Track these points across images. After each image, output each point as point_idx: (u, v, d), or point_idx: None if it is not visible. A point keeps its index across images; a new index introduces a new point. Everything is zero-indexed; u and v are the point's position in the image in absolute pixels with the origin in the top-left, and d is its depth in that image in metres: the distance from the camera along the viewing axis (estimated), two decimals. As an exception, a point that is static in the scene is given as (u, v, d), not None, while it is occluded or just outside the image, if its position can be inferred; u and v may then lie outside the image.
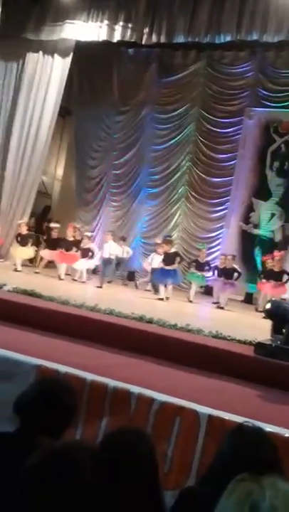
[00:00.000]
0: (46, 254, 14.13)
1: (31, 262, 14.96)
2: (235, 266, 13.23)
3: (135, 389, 4.97)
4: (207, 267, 13.44)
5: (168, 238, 14.07)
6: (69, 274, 13.77)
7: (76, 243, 13.74)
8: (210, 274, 13.38)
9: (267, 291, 12.76)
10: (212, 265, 13.63)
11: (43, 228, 16.02)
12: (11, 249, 14.31)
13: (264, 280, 13.05)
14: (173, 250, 13.01)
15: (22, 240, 13.87)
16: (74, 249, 13.57)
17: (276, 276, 12.82)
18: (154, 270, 13.36)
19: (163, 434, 4.55)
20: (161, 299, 12.05)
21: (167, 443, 4.56)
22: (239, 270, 13.12)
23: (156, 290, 13.17)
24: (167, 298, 12.17)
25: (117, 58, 16.85)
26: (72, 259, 13.61)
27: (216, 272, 13.26)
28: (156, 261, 13.37)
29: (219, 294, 12.94)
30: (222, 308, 12.35)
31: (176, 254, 12.98)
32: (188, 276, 13.74)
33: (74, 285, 12.79)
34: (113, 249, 13.68)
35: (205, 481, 2.15)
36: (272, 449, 2.16)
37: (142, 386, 5.06)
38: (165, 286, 12.39)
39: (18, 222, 14.44)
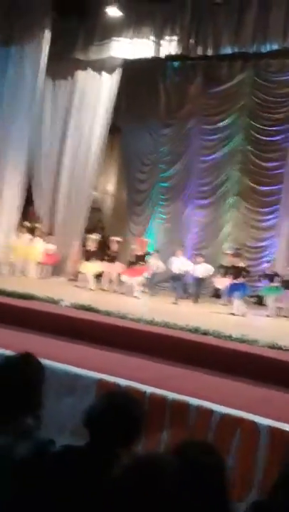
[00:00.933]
0: (112, 268, 14.10)
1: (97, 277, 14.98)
2: None
3: (194, 401, 5.04)
4: (278, 278, 13.18)
5: (238, 251, 13.96)
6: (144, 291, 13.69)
7: (143, 257, 13.73)
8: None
9: None
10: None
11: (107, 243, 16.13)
12: (79, 266, 14.46)
13: None
14: (241, 264, 12.88)
15: (89, 256, 14.01)
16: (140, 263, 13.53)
17: None
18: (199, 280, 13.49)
19: (224, 446, 4.59)
20: (232, 314, 11.90)
21: (228, 455, 4.60)
22: None
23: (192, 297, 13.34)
24: (243, 315, 11.85)
25: (163, 72, 17.01)
26: (140, 271, 13.55)
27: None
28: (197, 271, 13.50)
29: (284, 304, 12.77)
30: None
31: (243, 268, 12.86)
32: (264, 291, 13.43)
33: (137, 301, 12.68)
34: (184, 265, 13.44)
35: (276, 494, 2.16)
36: None
37: (199, 398, 5.13)
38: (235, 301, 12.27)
39: (87, 236, 14.64)
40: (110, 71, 15.04)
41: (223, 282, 13.09)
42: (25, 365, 2.71)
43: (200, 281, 13.78)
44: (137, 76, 16.27)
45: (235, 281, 12.46)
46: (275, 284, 13.09)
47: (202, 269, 13.70)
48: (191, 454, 2.09)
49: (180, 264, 13.31)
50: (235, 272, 12.57)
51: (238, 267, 12.69)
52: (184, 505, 1.36)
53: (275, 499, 2.16)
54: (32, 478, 2.32)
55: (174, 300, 12.87)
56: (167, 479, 1.35)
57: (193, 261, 14.06)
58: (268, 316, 12.57)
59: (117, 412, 2.46)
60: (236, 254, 13.24)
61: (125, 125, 17.82)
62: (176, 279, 13.25)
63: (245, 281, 12.78)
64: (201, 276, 13.71)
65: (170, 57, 15.04)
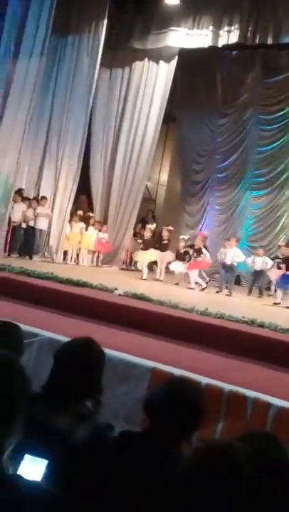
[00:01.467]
0: (164, 257, 13.87)
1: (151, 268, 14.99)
2: None
3: (251, 393, 4.93)
4: None
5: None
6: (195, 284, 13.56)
7: (201, 250, 13.51)
8: None
9: None
10: None
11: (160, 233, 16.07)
12: (134, 254, 14.56)
13: None
14: None
15: (145, 245, 14.03)
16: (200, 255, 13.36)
17: None
18: (258, 272, 13.36)
19: (282, 440, 4.45)
20: (278, 303, 11.79)
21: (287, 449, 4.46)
22: None
23: (260, 293, 13.24)
24: (288, 307, 11.66)
25: (220, 61, 16.77)
26: (203, 264, 13.42)
27: None
28: (257, 263, 13.39)
29: None
30: None
31: None
32: None
33: (191, 291, 12.60)
34: (237, 256, 13.19)
35: None
36: None
37: (257, 391, 5.00)
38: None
39: (147, 226, 14.65)
40: (167, 60, 14.91)
41: (275, 274, 12.84)
42: (88, 349, 2.69)
43: (259, 274, 13.54)
44: (193, 65, 16.11)
45: (287, 273, 12.17)
46: None
47: (261, 262, 13.46)
48: (256, 444, 2.02)
49: (233, 254, 13.09)
50: (288, 263, 12.28)
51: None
52: (261, 492, 1.31)
53: None
54: (91, 462, 2.28)
55: (227, 291, 12.72)
56: (242, 467, 1.28)
57: (255, 253, 13.86)
58: None
59: (177, 400, 2.41)
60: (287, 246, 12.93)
61: (181, 115, 17.70)
62: (229, 269, 13.04)
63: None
64: (259, 269, 13.48)
65: (228, 47, 14.79)
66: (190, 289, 12.85)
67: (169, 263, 13.81)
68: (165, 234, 14.15)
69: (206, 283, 13.39)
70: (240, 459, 1.30)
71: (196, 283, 13.13)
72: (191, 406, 2.43)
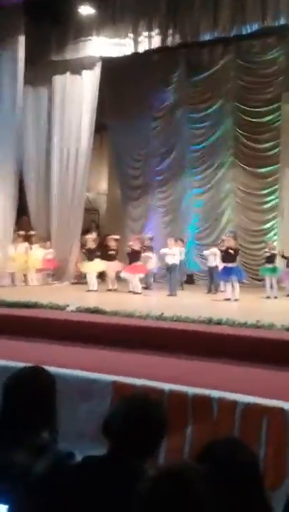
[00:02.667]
0: (112, 267, 13.96)
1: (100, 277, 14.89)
2: None
3: (216, 393, 4.84)
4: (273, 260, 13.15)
5: (233, 234, 13.83)
6: (143, 287, 13.61)
7: (139, 253, 13.65)
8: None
9: None
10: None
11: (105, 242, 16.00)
12: (79, 266, 14.43)
13: None
14: (235, 247, 12.69)
15: (89, 255, 13.94)
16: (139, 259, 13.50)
17: None
18: (212, 268, 13.40)
19: (251, 436, 4.40)
20: (228, 299, 11.85)
21: (257, 444, 4.41)
22: None
23: (215, 289, 13.27)
24: (236, 299, 11.83)
25: (144, 65, 16.78)
26: (142, 269, 13.54)
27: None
28: (210, 260, 13.52)
29: None
30: None
31: (236, 250, 12.74)
32: (263, 271, 13.42)
33: (141, 297, 12.58)
34: (177, 256, 13.27)
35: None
36: None
37: (221, 390, 4.93)
38: (232, 285, 12.17)
39: (86, 237, 14.55)
40: (90, 70, 14.82)
41: (219, 266, 13.00)
42: (35, 378, 2.53)
43: (213, 271, 13.63)
44: (118, 72, 16.08)
45: (229, 265, 12.28)
46: (273, 264, 13.05)
47: (213, 258, 13.60)
48: (221, 453, 1.98)
49: (172, 255, 13.16)
50: (230, 255, 12.38)
51: (232, 250, 12.48)
52: (221, 508, 1.25)
53: None
54: (51, 495, 2.14)
55: (170, 292, 12.73)
56: (198, 489, 1.25)
57: (204, 251, 13.95)
58: (275, 297, 12.46)
59: (137, 418, 2.29)
60: (233, 238, 13.03)
61: (112, 122, 17.65)
62: (171, 269, 13.08)
63: (240, 264, 12.69)
64: (212, 266, 13.59)
65: (151, 50, 14.84)
66: (136, 293, 12.85)
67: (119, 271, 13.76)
68: (112, 244, 14.08)
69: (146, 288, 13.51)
70: (196, 480, 1.26)
71: (145, 287, 13.21)
72: (152, 421, 2.32)
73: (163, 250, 13.45)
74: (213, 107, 16.33)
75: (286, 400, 4.61)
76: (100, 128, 17.31)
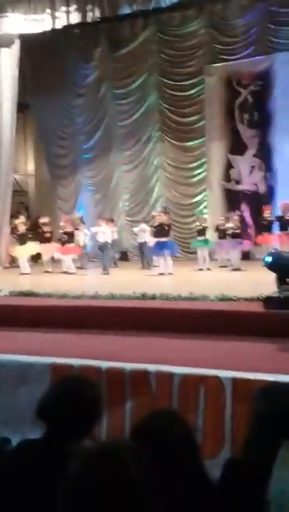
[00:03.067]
0: (48, 249, 13.82)
1: (35, 260, 14.71)
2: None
3: (152, 367, 4.89)
4: (214, 228, 13.43)
5: (167, 209, 13.89)
6: (78, 267, 13.59)
7: (71, 234, 13.61)
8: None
9: (273, 243, 12.63)
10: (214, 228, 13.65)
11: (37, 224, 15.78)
12: (11, 251, 14.19)
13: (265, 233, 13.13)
14: (168, 222, 12.83)
15: (21, 239, 13.74)
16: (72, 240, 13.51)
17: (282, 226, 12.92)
18: (142, 244, 13.55)
19: (190, 407, 4.48)
20: (163, 274, 11.95)
21: (195, 414, 4.50)
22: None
23: (148, 265, 13.40)
24: (170, 273, 11.99)
25: (65, 41, 16.45)
26: (76, 250, 13.56)
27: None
28: (140, 236, 13.66)
29: (230, 255, 12.96)
30: (239, 269, 12.32)
31: (169, 225, 12.83)
32: (194, 244, 13.60)
33: (76, 277, 12.56)
34: (108, 234, 13.36)
35: (248, 450, 2.05)
36: None
37: (159, 363, 4.98)
38: (164, 259, 12.28)
39: (14, 222, 14.26)
40: (7, 48, 14.32)
41: (151, 242, 13.10)
42: None
43: (143, 247, 13.72)
44: (39, 49, 15.72)
45: (162, 240, 12.39)
46: (204, 237, 13.27)
47: (104, 233, 13.59)
48: (155, 427, 1.97)
49: (103, 233, 13.16)
50: (162, 229, 12.49)
51: (164, 225, 12.59)
52: (154, 484, 1.25)
53: (248, 454, 2.05)
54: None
55: (103, 270, 12.75)
56: (128, 465, 1.22)
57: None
58: (208, 269, 12.69)
59: (70, 398, 2.28)
60: (165, 212, 13.14)
61: (35, 101, 17.26)
62: (103, 248, 13.09)
63: (173, 238, 12.84)
64: (142, 241, 13.69)
65: (70, 26, 14.53)
66: (70, 273, 12.84)
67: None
68: (46, 227, 13.95)
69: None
70: (124, 455, 1.24)
71: (80, 267, 13.19)
72: (86, 400, 2.31)
73: (93, 229, 13.43)
74: (137, 82, 16.24)
75: (221, 368, 4.71)
76: (23, 107, 16.91)
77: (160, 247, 12.38)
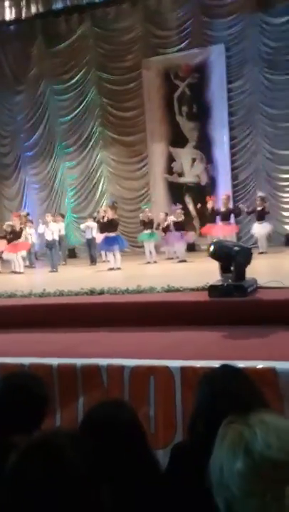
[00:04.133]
0: None
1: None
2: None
3: (103, 361, 4.94)
4: (155, 225, 13.54)
5: (115, 204, 13.93)
6: (26, 266, 13.52)
7: (20, 232, 13.48)
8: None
9: (217, 233, 12.86)
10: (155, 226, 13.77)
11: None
12: None
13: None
14: (114, 217, 12.87)
15: None
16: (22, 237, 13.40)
17: (224, 217, 13.11)
18: (90, 240, 13.59)
19: (141, 398, 4.56)
20: (112, 269, 12.01)
21: (147, 405, 4.57)
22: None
23: (95, 261, 13.45)
24: (118, 268, 12.08)
25: (1, 39, 16.26)
26: (25, 246, 13.44)
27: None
28: (87, 232, 13.72)
29: (175, 248, 13.13)
30: (185, 261, 12.47)
31: (117, 220, 12.88)
32: (140, 237, 13.70)
33: (24, 276, 12.51)
34: (56, 231, 13.29)
35: (192, 433, 2.14)
36: (248, 382, 2.17)
37: (109, 357, 5.04)
38: (113, 254, 12.34)
39: None
40: None
41: (99, 237, 13.14)
42: None
43: (91, 243, 13.75)
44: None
45: (110, 235, 12.45)
46: (151, 230, 13.45)
47: (90, 230, 13.74)
48: (103, 416, 2.03)
49: (51, 230, 13.12)
50: (110, 225, 12.55)
51: (112, 220, 12.65)
52: (97, 471, 1.27)
53: (192, 439, 2.13)
54: None
55: (51, 268, 12.74)
56: (66, 454, 1.24)
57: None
58: (155, 262, 12.84)
59: (15, 395, 2.31)
60: (112, 207, 13.19)
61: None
62: (51, 246, 13.06)
63: (120, 233, 12.93)
64: (90, 238, 13.72)
65: (6, 22, 14.37)
66: (18, 273, 12.76)
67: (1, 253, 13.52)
68: None
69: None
70: (62, 443, 1.25)
71: (28, 266, 13.11)
72: (31, 395, 2.34)
73: (40, 228, 13.36)
74: (76, 77, 16.21)
75: (170, 358, 4.82)
76: None
77: (109, 242, 12.43)
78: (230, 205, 13.57)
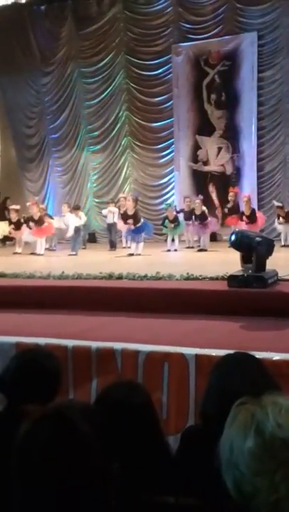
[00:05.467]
0: (20, 233, 13.74)
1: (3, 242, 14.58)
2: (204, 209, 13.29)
3: (118, 345, 4.93)
4: (177, 222, 13.40)
5: (138, 198, 13.89)
6: (47, 249, 13.61)
7: (42, 218, 13.52)
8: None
9: (238, 225, 12.74)
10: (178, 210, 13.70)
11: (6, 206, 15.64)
12: None
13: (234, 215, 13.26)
14: (134, 210, 12.80)
15: None
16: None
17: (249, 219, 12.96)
18: (111, 226, 13.63)
19: (154, 383, 4.53)
20: (132, 254, 12.04)
21: (160, 391, 4.55)
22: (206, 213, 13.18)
23: (115, 246, 13.50)
24: (138, 254, 12.10)
25: (31, 18, 16.24)
26: (49, 230, 13.49)
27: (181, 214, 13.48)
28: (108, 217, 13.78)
29: (199, 236, 13.13)
30: (205, 250, 12.44)
31: (138, 212, 12.88)
32: (165, 229, 13.55)
33: (44, 258, 12.55)
34: (71, 221, 13.24)
35: (204, 417, 2.13)
36: (261, 367, 2.17)
37: (125, 341, 5.02)
38: (136, 243, 12.39)
39: None
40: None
41: (124, 228, 13.13)
42: None
43: (111, 228, 13.78)
44: (5, 26, 15.43)
45: (135, 226, 12.47)
46: (176, 223, 13.30)
47: (111, 216, 13.77)
48: (114, 395, 2.03)
49: (67, 220, 13.17)
50: (135, 216, 12.53)
51: (135, 212, 12.66)
52: (109, 447, 1.28)
53: (203, 423, 2.12)
54: None
55: (71, 251, 12.76)
56: (78, 425, 1.24)
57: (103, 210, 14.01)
58: (175, 250, 12.79)
59: (29, 369, 2.32)
60: (133, 200, 13.09)
61: (1, 79, 16.98)
62: (74, 231, 13.10)
63: (143, 222, 12.86)
64: (110, 223, 13.76)
65: (36, 2, 14.31)
66: (39, 255, 12.81)
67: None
68: (13, 215, 13.84)
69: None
70: (74, 415, 1.26)
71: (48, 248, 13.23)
72: (44, 370, 2.36)
73: (58, 222, 13.43)
74: (105, 61, 16.11)
75: (185, 346, 4.78)
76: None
77: (135, 231, 12.45)
78: (252, 206, 13.29)
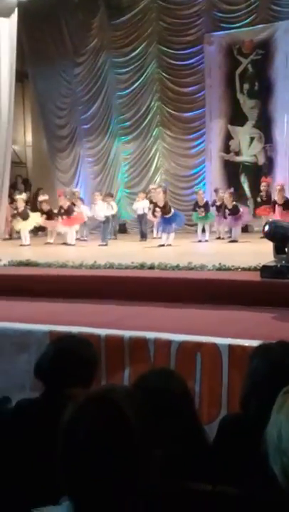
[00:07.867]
0: (52, 224, 13.94)
1: (35, 232, 14.80)
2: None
3: (151, 335, 4.94)
4: (207, 208, 13.34)
5: (167, 189, 13.87)
6: (78, 239, 13.75)
7: (71, 208, 13.62)
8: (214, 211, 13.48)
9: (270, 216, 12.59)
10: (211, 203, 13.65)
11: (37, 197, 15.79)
12: (14, 225, 14.38)
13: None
14: (164, 200, 12.80)
15: (22, 216, 13.82)
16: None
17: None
18: (141, 216, 13.60)
19: (187, 373, 4.51)
20: (163, 245, 12.05)
21: (193, 380, 4.55)
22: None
23: (145, 236, 13.53)
24: (169, 245, 12.11)
25: (63, 9, 16.25)
26: (79, 220, 13.60)
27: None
28: (139, 208, 13.77)
29: (230, 228, 13.07)
30: (236, 241, 12.39)
31: (168, 203, 12.85)
32: (196, 218, 13.53)
33: (75, 248, 12.66)
34: (103, 211, 13.31)
35: (245, 404, 2.12)
36: None
37: (157, 331, 5.03)
38: (167, 232, 12.39)
39: (16, 197, 14.38)
40: (6, 16, 14.09)
41: (154, 218, 13.14)
42: None
43: (141, 218, 13.74)
44: (37, 17, 15.53)
45: (165, 217, 12.43)
46: (206, 211, 13.25)
47: (142, 206, 13.76)
48: (151, 382, 2.03)
49: (99, 209, 13.18)
50: (165, 207, 12.50)
51: (166, 204, 12.63)
52: (151, 432, 1.29)
53: (247, 409, 2.11)
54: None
55: (101, 242, 12.79)
56: (124, 409, 1.26)
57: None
58: (206, 240, 12.74)
59: (65, 356, 2.35)
60: (163, 191, 13.05)
61: (34, 70, 17.11)
62: (104, 221, 13.13)
63: (174, 212, 12.78)
64: (141, 213, 13.73)
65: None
66: (69, 245, 12.92)
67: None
68: (44, 206, 14.01)
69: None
70: (119, 399, 1.27)
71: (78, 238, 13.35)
72: (80, 356, 2.38)
73: (88, 211, 13.45)
74: (137, 51, 16.06)
75: (218, 336, 4.76)
76: (22, 76, 16.76)
77: (167, 221, 12.44)
78: (285, 194, 13.11)
